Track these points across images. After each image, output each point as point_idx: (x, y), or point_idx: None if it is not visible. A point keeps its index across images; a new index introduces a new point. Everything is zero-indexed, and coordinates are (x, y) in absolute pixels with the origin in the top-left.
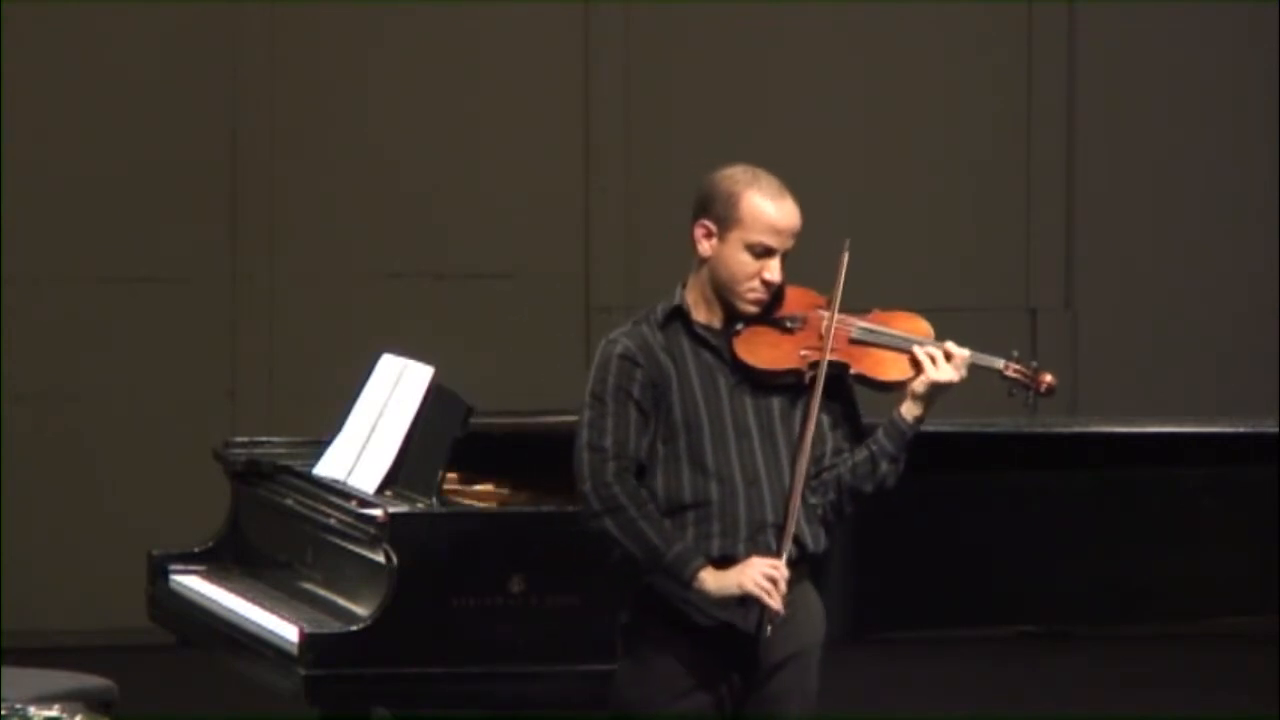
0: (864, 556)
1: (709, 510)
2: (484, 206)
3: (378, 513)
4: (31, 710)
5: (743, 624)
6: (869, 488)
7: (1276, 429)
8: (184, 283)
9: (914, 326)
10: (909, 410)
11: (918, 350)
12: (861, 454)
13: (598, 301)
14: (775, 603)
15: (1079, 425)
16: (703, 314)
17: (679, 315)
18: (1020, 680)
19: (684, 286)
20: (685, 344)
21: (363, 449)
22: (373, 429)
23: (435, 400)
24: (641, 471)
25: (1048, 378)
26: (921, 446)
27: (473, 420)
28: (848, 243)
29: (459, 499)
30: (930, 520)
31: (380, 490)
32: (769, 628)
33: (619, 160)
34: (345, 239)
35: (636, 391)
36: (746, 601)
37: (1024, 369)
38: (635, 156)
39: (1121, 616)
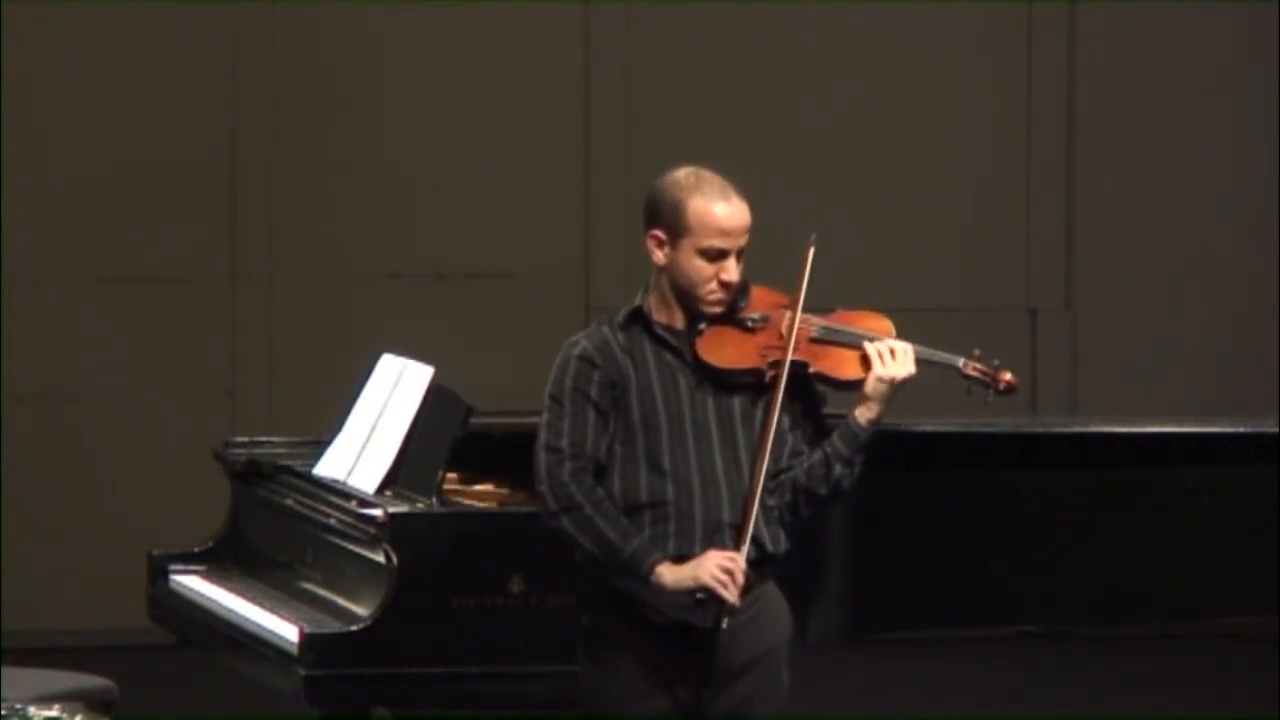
0: (863, 556)
1: (665, 511)
2: (484, 206)
3: (378, 513)
4: (31, 710)
5: (701, 623)
6: (824, 490)
7: (1276, 429)
8: (184, 283)
9: (876, 325)
10: (862, 412)
11: (867, 346)
12: (816, 456)
13: (598, 301)
14: (731, 594)
15: (1079, 425)
16: (664, 315)
17: (640, 317)
18: (1020, 680)
19: (646, 289)
20: (646, 345)
21: (363, 449)
22: (373, 429)
23: (435, 400)
24: (601, 472)
25: (1007, 376)
26: (922, 446)
27: (473, 420)
28: (814, 237)
29: (459, 499)
30: (930, 520)
31: (380, 490)
32: (726, 620)
33: (619, 160)
34: (345, 239)
35: (594, 393)
36: (704, 601)
37: (984, 367)
38: (635, 156)
39: (1121, 616)
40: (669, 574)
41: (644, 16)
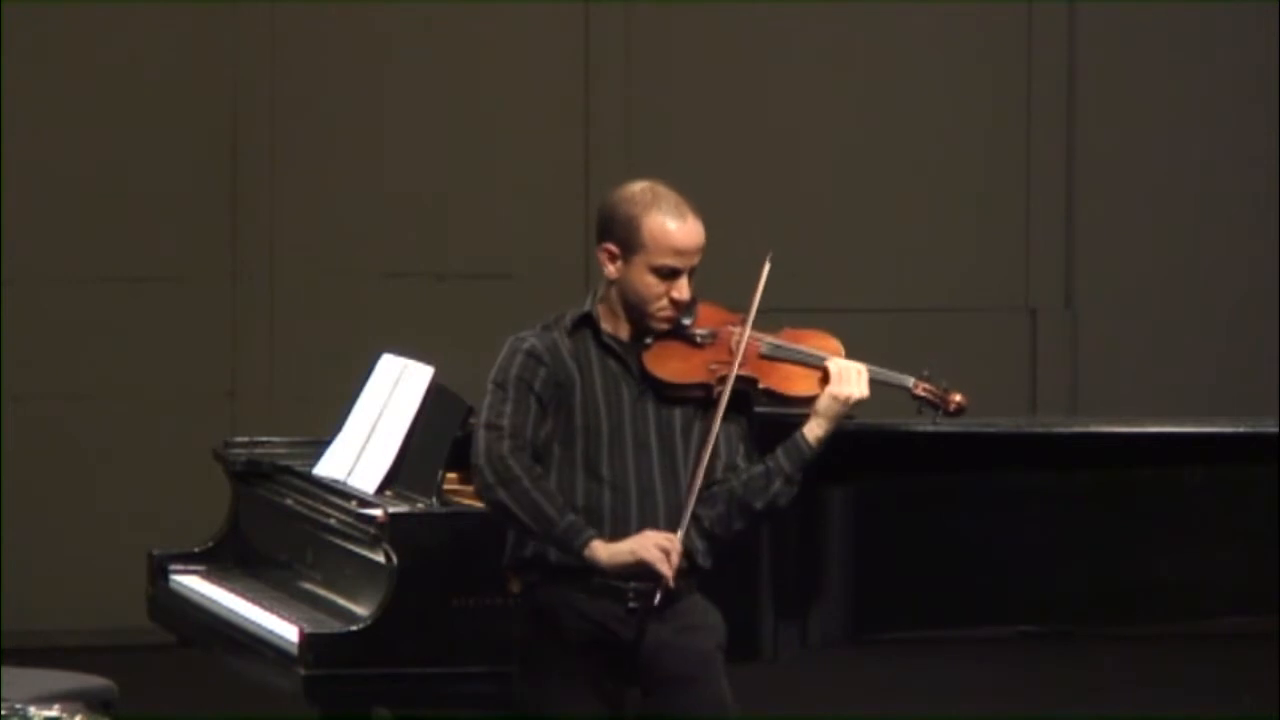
0: (864, 556)
1: (600, 518)
2: (484, 206)
3: (378, 513)
4: (31, 710)
5: (628, 633)
6: (760, 504)
7: (1276, 429)
8: (183, 282)
9: (824, 344)
10: (811, 429)
11: (830, 364)
12: (757, 469)
13: None
14: (666, 569)
15: (1079, 425)
16: (610, 326)
17: (588, 323)
18: (1020, 680)
19: (594, 296)
20: (592, 351)
21: (363, 449)
22: (373, 429)
23: (435, 400)
24: (538, 462)
25: (957, 397)
26: (922, 446)
27: (473, 420)
28: (770, 256)
29: (459, 499)
30: (931, 520)
31: (380, 490)
32: (658, 596)
33: (619, 160)
34: (345, 239)
35: (538, 386)
36: (635, 610)
37: (934, 388)
38: (635, 156)
39: (1121, 616)
40: (604, 550)
41: (644, 16)
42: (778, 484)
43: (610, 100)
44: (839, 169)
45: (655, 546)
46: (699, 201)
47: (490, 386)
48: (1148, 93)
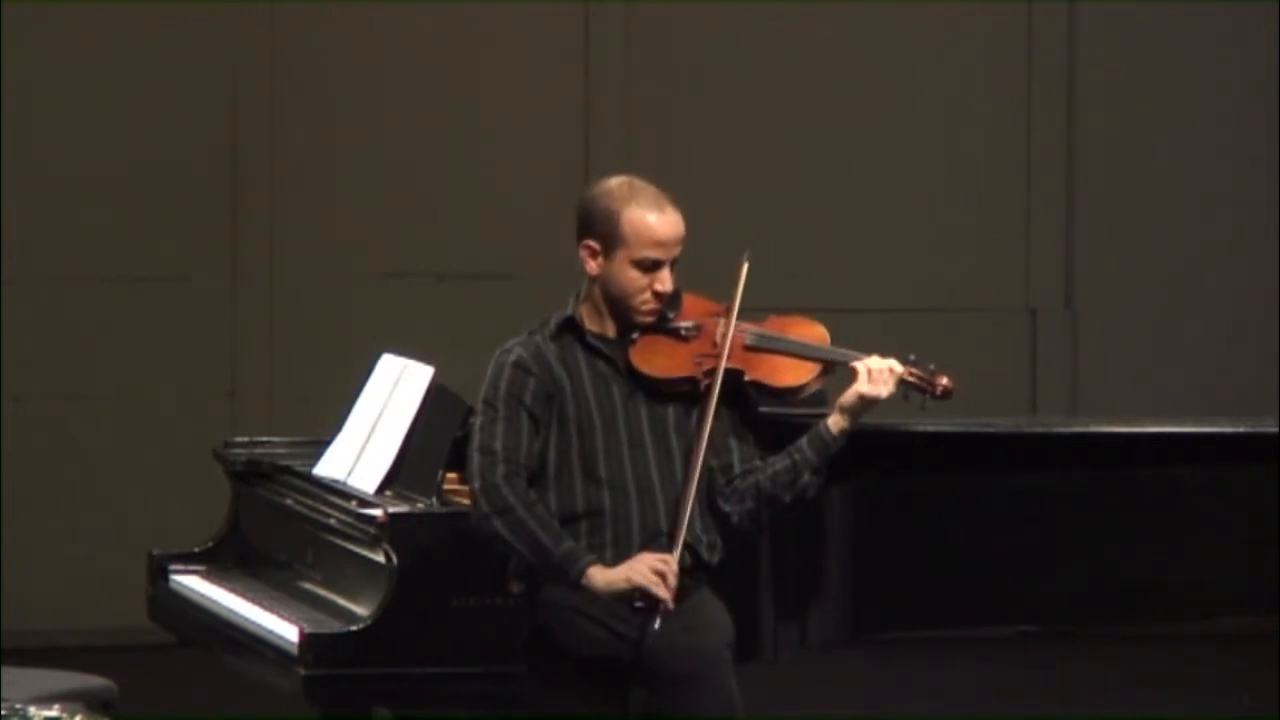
0: (863, 556)
1: (601, 520)
2: (484, 206)
3: (378, 513)
4: (31, 710)
5: (636, 634)
6: (788, 497)
7: (1276, 429)
8: (184, 282)
9: (811, 332)
10: (836, 423)
11: (858, 365)
12: (782, 463)
13: None
14: (663, 593)
15: (1079, 425)
16: (596, 325)
17: (572, 326)
18: (1020, 680)
19: (577, 298)
20: (579, 354)
21: (363, 449)
22: (373, 429)
23: (435, 400)
24: (533, 480)
25: (944, 380)
26: (922, 446)
27: (472, 420)
28: (748, 253)
29: (459, 499)
30: (930, 520)
31: (380, 490)
32: (659, 622)
33: (619, 160)
34: (345, 239)
35: (528, 399)
36: (641, 609)
37: (920, 372)
38: (635, 156)
39: (1121, 616)
40: (600, 576)
41: (644, 16)
42: (806, 476)
43: (610, 100)
44: (839, 169)
45: (650, 570)
46: (699, 201)
47: (481, 405)
48: (1148, 93)
